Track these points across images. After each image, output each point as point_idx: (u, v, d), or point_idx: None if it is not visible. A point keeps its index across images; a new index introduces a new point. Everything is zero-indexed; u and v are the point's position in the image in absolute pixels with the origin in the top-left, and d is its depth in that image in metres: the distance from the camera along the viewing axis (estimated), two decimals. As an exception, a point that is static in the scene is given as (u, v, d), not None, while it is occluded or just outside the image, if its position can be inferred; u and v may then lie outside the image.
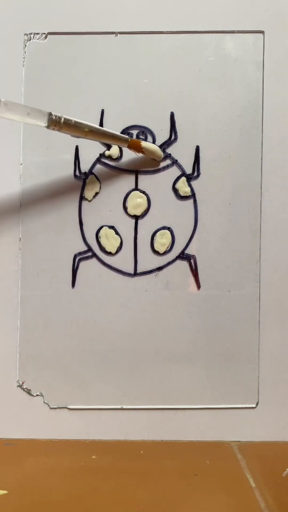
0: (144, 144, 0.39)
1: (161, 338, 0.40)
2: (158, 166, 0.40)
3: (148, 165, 0.40)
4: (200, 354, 0.40)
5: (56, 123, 0.35)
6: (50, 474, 0.35)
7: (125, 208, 0.40)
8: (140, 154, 0.39)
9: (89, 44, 0.40)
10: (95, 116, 0.40)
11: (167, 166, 0.40)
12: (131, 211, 0.40)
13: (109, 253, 0.40)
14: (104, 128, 0.38)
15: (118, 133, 0.38)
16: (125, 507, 0.31)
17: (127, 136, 0.39)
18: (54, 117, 0.34)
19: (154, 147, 0.39)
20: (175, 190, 0.40)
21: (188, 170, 0.40)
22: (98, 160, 0.40)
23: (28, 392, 0.40)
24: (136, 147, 0.39)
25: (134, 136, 0.40)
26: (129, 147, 0.39)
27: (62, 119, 0.35)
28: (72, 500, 0.31)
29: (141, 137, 0.40)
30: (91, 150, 0.40)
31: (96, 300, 0.40)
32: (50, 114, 0.34)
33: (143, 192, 0.40)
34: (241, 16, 0.40)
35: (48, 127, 0.35)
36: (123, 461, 0.36)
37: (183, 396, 0.40)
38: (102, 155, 0.40)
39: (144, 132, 0.40)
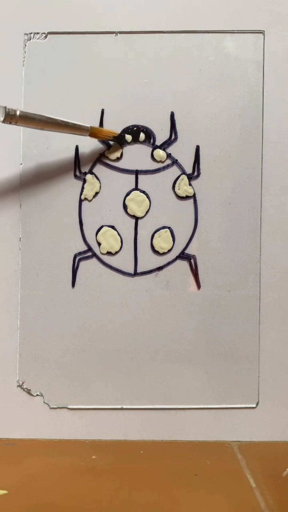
0: (106, 130, 0.39)
1: (161, 338, 0.40)
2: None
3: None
4: (200, 354, 0.40)
5: (12, 116, 0.34)
6: (50, 474, 0.35)
7: (125, 208, 0.40)
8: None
9: (89, 44, 0.40)
10: (95, 115, 0.40)
11: (167, 166, 0.40)
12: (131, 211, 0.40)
13: (109, 253, 0.40)
14: (62, 119, 0.37)
15: (77, 122, 0.38)
16: (125, 507, 0.31)
17: (87, 125, 0.38)
18: (9, 111, 0.34)
19: (116, 133, 0.39)
20: (175, 190, 0.40)
21: (188, 170, 0.40)
22: (98, 160, 0.40)
23: (28, 392, 0.40)
24: (98, 135, 0.39)
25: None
26: (91, 135, 0.38)
27: (18, 112, 0.35)
28: (72, 500, 0.31)
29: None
30: (91, 150, 0.40)
31: (96, 300, 0.40)
32: (5, 108, 0.34)
33: (143, 192, 0.40)
34: (241, 16, 0.40)
35: (4, 121, 0.34)
36: (123, 461, 0.36)
37: (183, 396, 0.40)
38: (102, 155, 0.40)
39: (147, 129, 0.40)
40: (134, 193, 0.40)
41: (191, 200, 0.40)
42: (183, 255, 0.40)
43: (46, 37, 0.40)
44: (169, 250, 0.40)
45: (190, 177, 0.40)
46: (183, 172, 0.40)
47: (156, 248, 0.40)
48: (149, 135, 0.40)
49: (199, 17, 0.40)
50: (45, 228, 0.40)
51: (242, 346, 0.40)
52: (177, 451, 0.38)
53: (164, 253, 0.40)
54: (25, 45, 0.40)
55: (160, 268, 0.40)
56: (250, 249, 0.40)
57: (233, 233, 0.40)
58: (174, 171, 0.40)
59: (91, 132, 0.38)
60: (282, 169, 0.40)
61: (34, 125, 0.36)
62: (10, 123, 0.35)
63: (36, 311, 0.40)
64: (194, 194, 0.40)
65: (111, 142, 0.40)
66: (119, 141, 0.40)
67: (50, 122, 0.36)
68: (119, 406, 0.40)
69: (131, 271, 0.40)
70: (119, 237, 0.40)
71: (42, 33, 0.40)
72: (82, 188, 0.40)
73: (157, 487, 0.33)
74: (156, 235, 0.40)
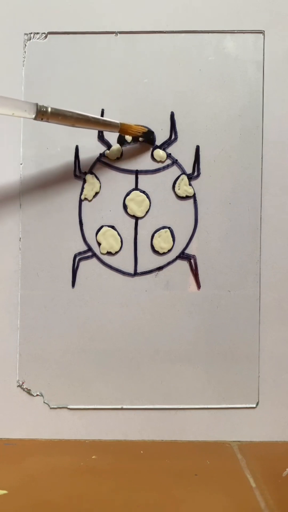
0: (135, 127, 0.39)
1: (161, 338, 0.40)
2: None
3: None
4: (200, 354, 0.40)
5: (43, 113, 0.35)
6: (50, 474, 0.35)
7: (125, 208, 0.40)
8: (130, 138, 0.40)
9: (89, 44, 0.40)
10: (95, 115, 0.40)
11: (167, 166, 0.40)
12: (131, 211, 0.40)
13: (109, 253, 0.40)
14: (92, 115, 0.37)
15: (107, 118, 0.38)
16: (125, 507, 0.31)
17: (117, 121, 0.38)
18: (41, 108, 0.34)
19: (145, 129, 0.39)
20: (175, 190, 0.40)
21: (188, 170, 0.40)
22: (98, 160, 0.40)
23: (28, 392, 0.40)
24: (128, 131, 0.39)
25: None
26: (121, 131, 0.39)
27: (49, 109, 0.35)
28: (72, 500, 0.31)
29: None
30: (91, 150, 0.40)
31: (96, 300, 0.40)
32: (37, 104, 0.34)
33: (143, 192, 0.40)
34: (241, 16, 0.40)
35: (35, 118, 0.34)
36: (123, 461, 0.36)
37: (183, 396, 0.40)
38: (102, 154, 0.40)
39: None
40: (134, 193, 0.40)
41: (191, 200, 0.40)
42: (183, 255, 0.40)
43: (46, 37, 0.40)
44: (169, 250, 0.40)
45: (190, 177, 0.40)
46: (183, 172, 0.40)
47: (156, 248, 0.40)
48: (149, 135, 0.40)
49: (199, 17, 0.40)
50: (45, 228, 0.40)
51: (242, 346, 0.40)
52: (177, 451, 0.38)
53: (164, 253, 0.40)
54: (25, 45, 0.40)
55: (160, 268, 0.40)
56: (250, 249, 0.40)
57: (233, 233, 0.40)
58: (174, 171, 0.40)
59: (121, 128, 0.38)
60: (282, 169, 0.40)
61: (65, 122, 0.36)
62: (41, 119, 0.35)
63: (36, 311, 0.40)
64: (194, 194, 0.40)
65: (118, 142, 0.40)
66: (148, 137, 0.40)
67: (81, 118, 0.36)
68: (119, 406, 0.40)
69: (131, 271, 0.40)
70: (119, 237, 0.40)
71: (42, 33, 0.40)
72: (82, 188, 0.40)
73: (157, 487, 0.33)
74: (156, 235, 0.40)
